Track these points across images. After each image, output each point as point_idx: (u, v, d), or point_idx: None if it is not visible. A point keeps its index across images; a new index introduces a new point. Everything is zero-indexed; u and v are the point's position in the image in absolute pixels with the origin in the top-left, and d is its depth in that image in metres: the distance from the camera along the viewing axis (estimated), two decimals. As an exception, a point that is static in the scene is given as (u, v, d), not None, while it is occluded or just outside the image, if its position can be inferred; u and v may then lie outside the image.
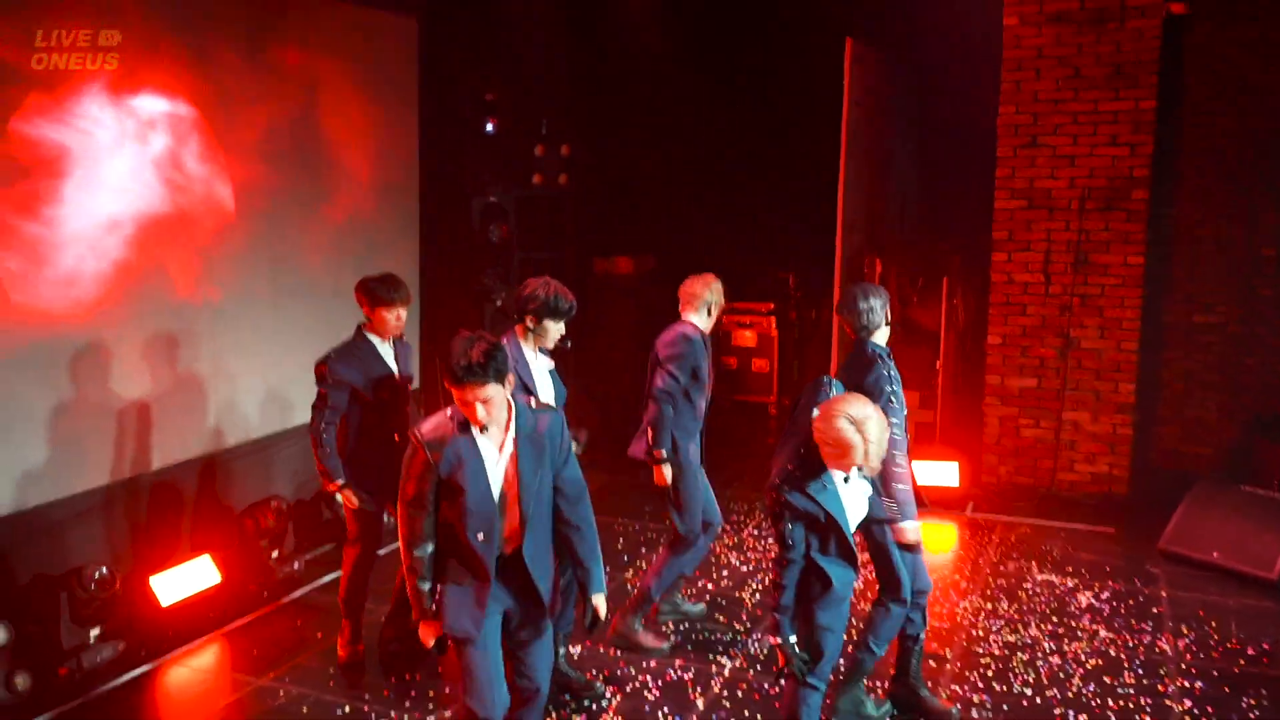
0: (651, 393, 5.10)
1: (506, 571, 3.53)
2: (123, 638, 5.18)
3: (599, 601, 3.59)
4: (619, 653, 5.20)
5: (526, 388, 4.43)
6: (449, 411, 3.45)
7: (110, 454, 5.50)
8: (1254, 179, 7.68)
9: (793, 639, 3.77)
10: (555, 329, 4.51)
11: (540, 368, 4.57)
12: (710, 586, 6.09)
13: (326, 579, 6.15)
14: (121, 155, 5.39)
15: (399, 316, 4.87)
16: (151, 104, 5.52)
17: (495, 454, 3.45)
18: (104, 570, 5.15)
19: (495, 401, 3.36)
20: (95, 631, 5.10)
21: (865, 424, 3.57)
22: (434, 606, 3.50)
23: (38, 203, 5.02)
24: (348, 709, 4.67)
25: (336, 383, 4.75)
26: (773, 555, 4.06)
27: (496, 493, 3.44)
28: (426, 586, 3.49)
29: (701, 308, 5.19)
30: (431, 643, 3.56)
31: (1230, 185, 7.73)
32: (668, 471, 5.12)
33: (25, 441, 5.07)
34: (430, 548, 3.49)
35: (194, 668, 5.14)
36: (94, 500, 5.43)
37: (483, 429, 3.38)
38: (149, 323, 5.64)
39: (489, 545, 3.44)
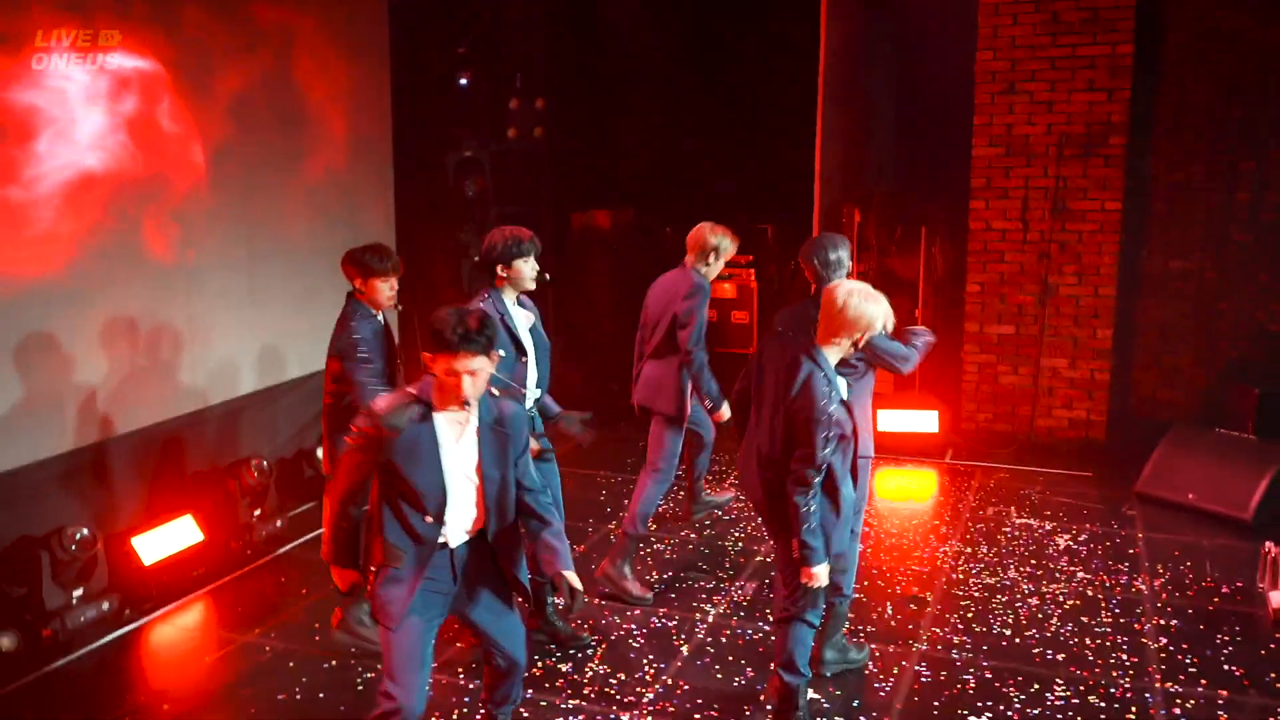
0: (685, 356, 5.15)
1: (469, 558, 3.48)
2: (106, 598, 5.17)
3: (572, 578, 3.49)
4: (603, 602, 5.23)
5: (516, 341, 4.47)
6: (413, 390, 3.34)
7: (89, 415, 5.45)
8: (1231, 127, 7.68)
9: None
10: (527, 268, 4.49)
11: (522, 323, 4.56)
12: (694, 535, 6.13)
13: (309, 536, 6.15)
14: (92, 115, 5.29)
15: (393, 287, 4.73)
16: (120, 62, 5.41)
17: (453, 441, 3.35)
18: (85, 531, 5.13)
19: (481, 376, 3.27)
20: (78, 592, 5.09)
21: (871, 291, 3.76)
22: (364, 576, 3.52)
23: (10, 165, 4.93)
24: (334, 663, 4.69)
25: (371, 349, 4.61)
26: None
27: (451, 479, 3.35)
28: (348, 542, 3.52)
29: (703, 256, 5.23)
30: (347, 586, 3.63)
31: (1207, 133, 7.74)
32: (725, 410, 5.20)
33: (3, 404, 5.02)
34: (364, 509, 3.47)
35: (178, 626, 5.14)
36: (74, 461, 5.38)
37: (464, 405, 3.29)
38: (125, 284, 5.56)
39: (434, 530, 3.37)
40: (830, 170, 8.20)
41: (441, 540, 3.40)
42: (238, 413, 6.37)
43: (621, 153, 9.54)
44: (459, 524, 3.42)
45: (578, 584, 3.45)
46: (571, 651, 4.75)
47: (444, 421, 3.33)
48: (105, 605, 5.14)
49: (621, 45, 9.14)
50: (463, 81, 8.43)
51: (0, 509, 5.02)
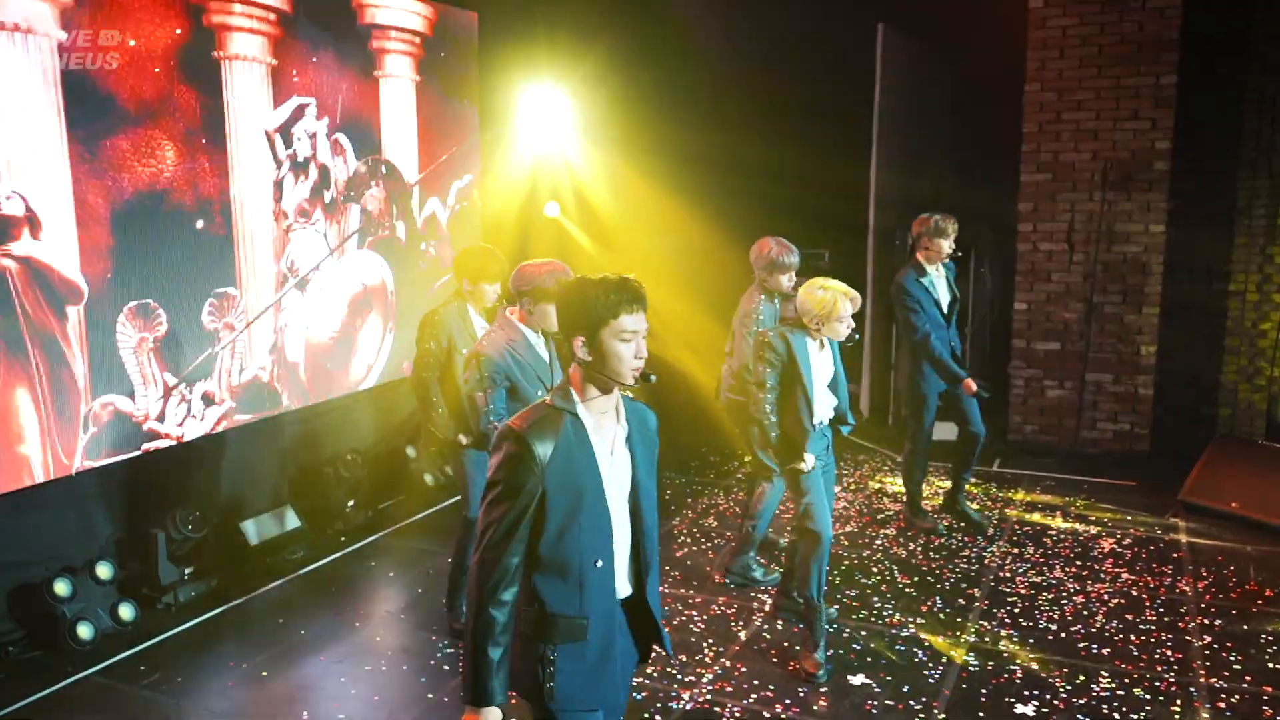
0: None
1: (629, 621, 2.52)
2: (214, 575, 5.26)
3: None
4: (665, 588, 5.17)
5: (538, 375, 4.09)
6: (547, 398, 2.42)
7: (204, 411, 5.56)
8: (1274, 151, 7.43)
9: None
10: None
11: (544, 354, 4.18)
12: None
13: (397, 526, 6.21)
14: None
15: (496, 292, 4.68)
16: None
17: (607, 448, 2.41)
18: (196, 514, 5.23)
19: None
20: (189, 570, 5.19)
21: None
22: (497, 686, 2.30)
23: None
24: (416, 639, 4.69)
25: None
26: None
27: (613, 502, 2.41)
28: (497, 655, 2.30)
29: (918, 248, 5.61)
30: None
31: (1251, 156, 7.48)
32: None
33: (126, 398, 5.15)
34: (514, 593, 2.34)
35: (278, 604, 5.19)
36: (190, 452, 5.48)
37: (644, 379, 2.36)
38: (268, 291, 5.70)
39: (608, 579, 2.41)
40: (884, 197, 8.10)
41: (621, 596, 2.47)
42: (335, 412, 6.46)
43: (689, 182, 9.51)
44: (623, 566, 2.47)
45: None
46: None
47: (594, 425, 2.40)
48: (213, 582, 5.23)
49: (689, 81, 9.13)
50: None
51: (123, 493, 5.15)
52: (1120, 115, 7.29)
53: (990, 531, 5.98)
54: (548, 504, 2.30)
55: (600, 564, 2.37)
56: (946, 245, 5.57)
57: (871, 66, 7.60)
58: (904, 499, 6.20)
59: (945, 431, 7.48)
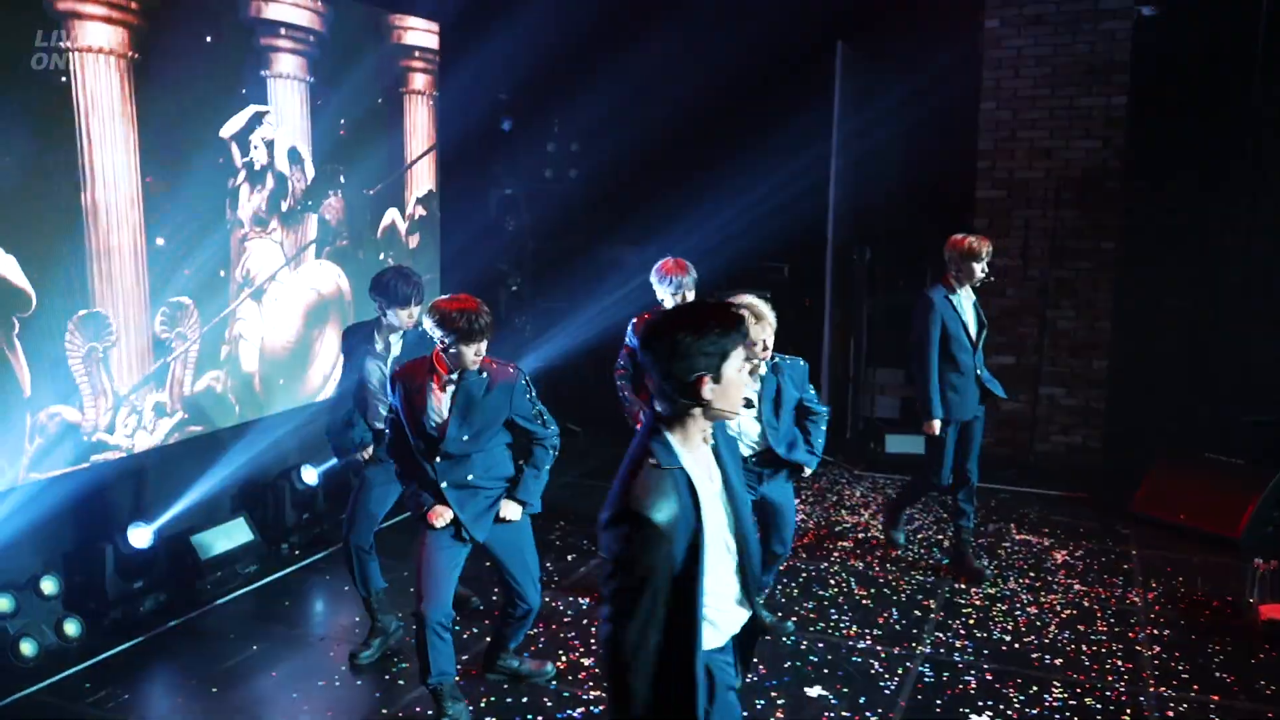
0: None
1: (739, 639, 2.46)
2: (163, 590, 5.17)
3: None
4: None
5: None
6: (651, 459, 2.19)
7: (155, 421, 5.48)
8: (1222, 172, 7.61)
9: None
10: (469, 350, 3.71)
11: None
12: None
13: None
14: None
15: (411, 315, 4.54)
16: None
17: (706, 478, 2.27)
18: (147, 527, 5.13)
19: None
20: (138, 584, 5.09)
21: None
22: None
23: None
24: (371, 653, 4.64)
25: None
26: None
27: (720, 542, 2.28)
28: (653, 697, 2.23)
29: (949, 268, 5.35)
30: None
31: (1201, 177, 7.66)
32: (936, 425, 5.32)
33: (73, 409, 5.05)
34: (658, 648, 2.22)
35: (230, 619, 5.11)
36: (140, 463, 5.40)
37: (748, 405, 2.34)
38: (219, 302, 5.62)
39: (713, 628, 2.32)
40: (842, 212, 8.18)
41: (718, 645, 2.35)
42: (291, 422, 6.37)
43: (648, 193, 9.54)
44: (735, 592, 2.37)
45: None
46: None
47: (693, 462, 2.22)
48: (162, 597, 5.13)
49: (650, 93, 9.16)
50: (505, 126, 8.48)
51: (71, 506, 5.04)
52: (1073, 134, 7.44)
53: (946, 544, 6.04)
54: (674, 569, 2.17)
55: (708, 622, 2.26)
56: (979, 269, 5.22)
57: (830, 83, 7.68)
58: (886, 504, 6.26)
59: (915, 445, 7.53)
